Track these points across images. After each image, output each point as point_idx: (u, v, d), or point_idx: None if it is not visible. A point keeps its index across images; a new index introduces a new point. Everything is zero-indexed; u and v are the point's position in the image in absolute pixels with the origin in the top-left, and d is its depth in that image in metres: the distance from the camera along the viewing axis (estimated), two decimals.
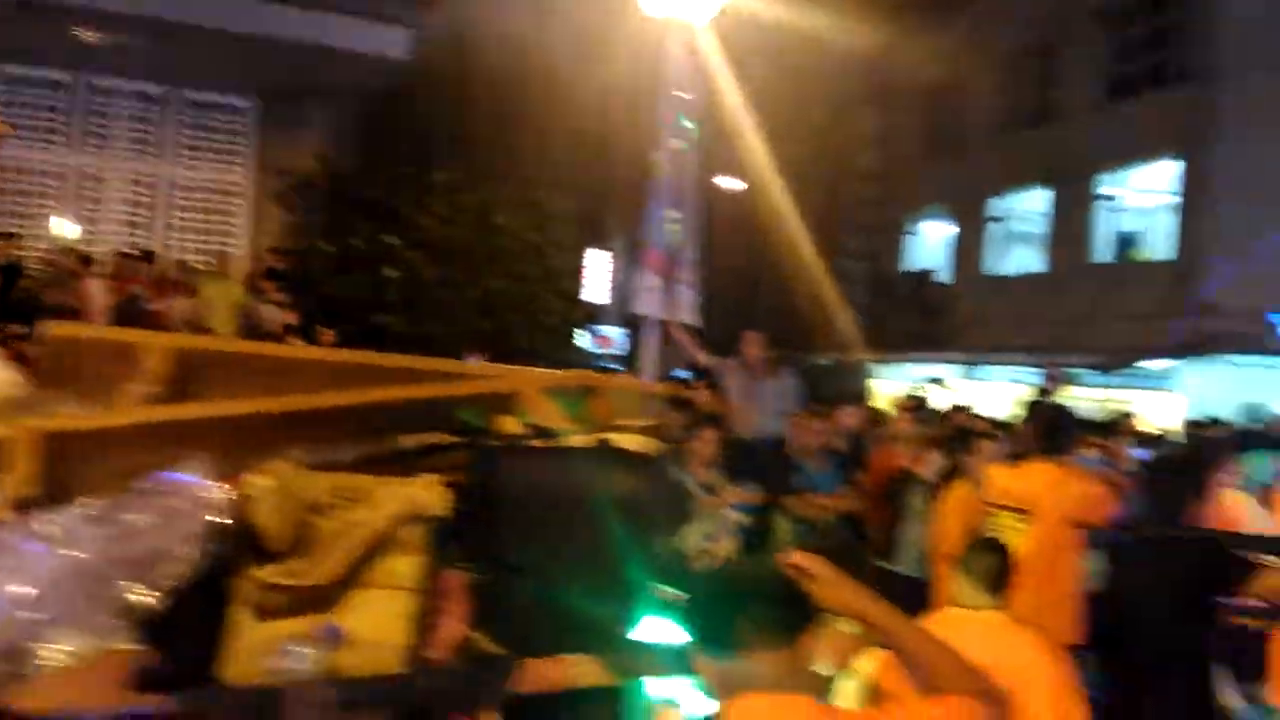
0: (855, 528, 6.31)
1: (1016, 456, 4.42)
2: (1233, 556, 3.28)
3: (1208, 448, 5.31)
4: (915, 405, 9.23)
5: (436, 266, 13.04)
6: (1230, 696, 3.80)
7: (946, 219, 23.26)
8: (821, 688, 1.81)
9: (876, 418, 9.50)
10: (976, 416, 10.49)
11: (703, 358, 7.07)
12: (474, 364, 3.52)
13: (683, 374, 9.19)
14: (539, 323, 13.88)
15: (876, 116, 22.97)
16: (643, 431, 2.59)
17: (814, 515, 5.90)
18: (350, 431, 2.52)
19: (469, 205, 13.04)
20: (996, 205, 21.63)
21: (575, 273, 15.51)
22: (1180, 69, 17.20)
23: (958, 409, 9.58)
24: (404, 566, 2.04)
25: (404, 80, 15.35)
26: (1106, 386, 17.25)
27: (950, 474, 5.60)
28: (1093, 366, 16.23)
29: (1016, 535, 4.09)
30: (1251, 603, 3.33)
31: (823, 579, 1.78)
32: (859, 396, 15.18)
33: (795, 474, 6.09)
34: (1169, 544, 3.37)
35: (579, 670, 2.14)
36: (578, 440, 2.39)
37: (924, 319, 21.50)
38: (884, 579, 6.22)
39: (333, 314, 11.76)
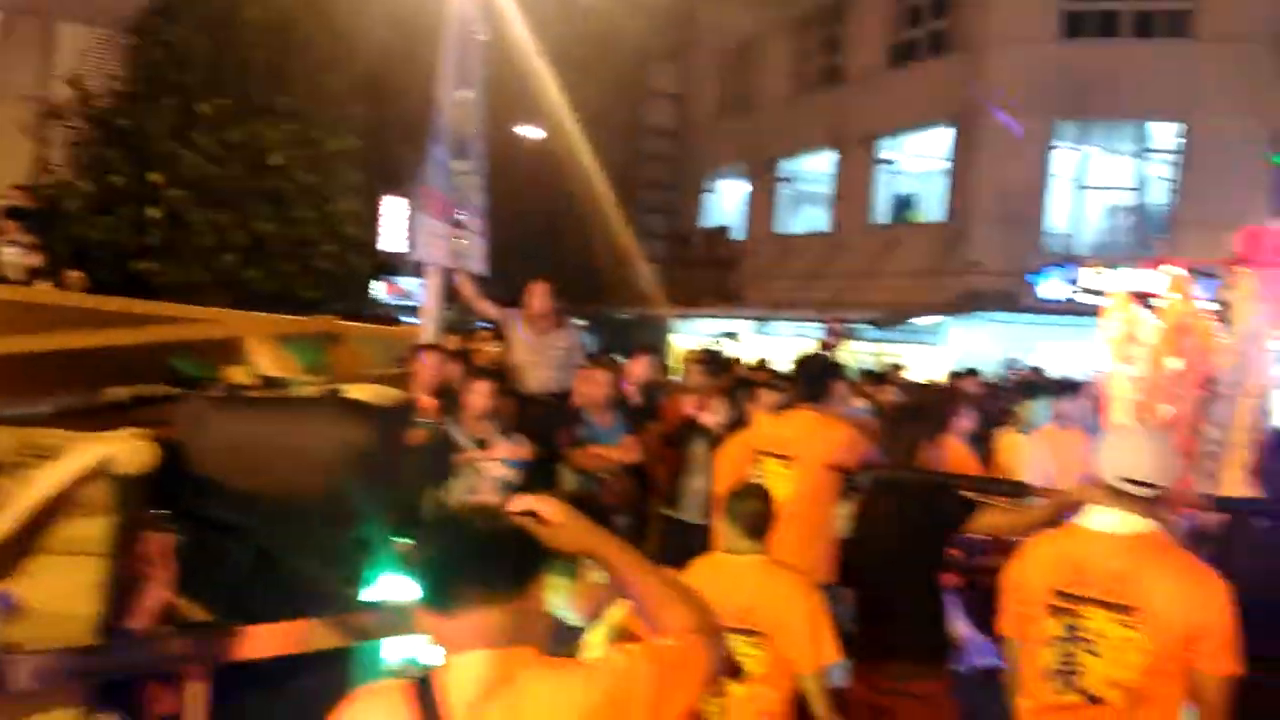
0: (641, 478, 6.38)
1: (783, 405, 4.57)
2: (958, 496, 3.49)
3: (944, 395, 5.67)
4: (704, 357, 9.44)
5: (202, 208, 12.04)
6: (959, 626, 4.11)
7: (741, 178, 23.91)
8: (548, 638, 1.75)
9: (668, 369, 9.69)
10: (762, 368, 10.91)
11: (488, 308, 6.88)
12: (204, 310, 3.26)
13: (486, 325, 8.96)
14: (319, 271, 13.12)
15: (674, 73, 23.22)
16: (386, 381, 2.43)
17: (596, 467, 5.89)
18: (52, 381, 2.25)
19: (239, 142, 12.10)
20: (787, 166, 22.40)
21: (363, 219, 14.72)
22: (956, 39, 18.21)
23: (741, 361, 9.88)
24: (91, 530, 1.82)
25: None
26: (883, 340, 18.35)
27: (735, 424, 5.75)
28: (871, 321, 17.17)
29: (780, 480, 4.24)
30: (975, 538, 3.58)
31: (556, 522, 1.71)
32: (658, 349, 15.43)
33: (579, 426, 6.06)
34: (901, 485, 3.55)
35: (303, 634, 1.99)
36: (305, 391, 2.21)
37: (719, 275, 22.08)
38: (670, 527, 6.36)
39: (88, 257, 10.70)
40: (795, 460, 4.26)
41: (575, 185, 19.17)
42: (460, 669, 1.63)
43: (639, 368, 7.22)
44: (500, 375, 5.88)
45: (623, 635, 2.15)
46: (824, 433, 4.20)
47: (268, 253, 12.68)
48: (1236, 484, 3.76)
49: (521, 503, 1.73)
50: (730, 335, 19.74)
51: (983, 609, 4.48)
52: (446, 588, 1.63)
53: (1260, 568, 2.73)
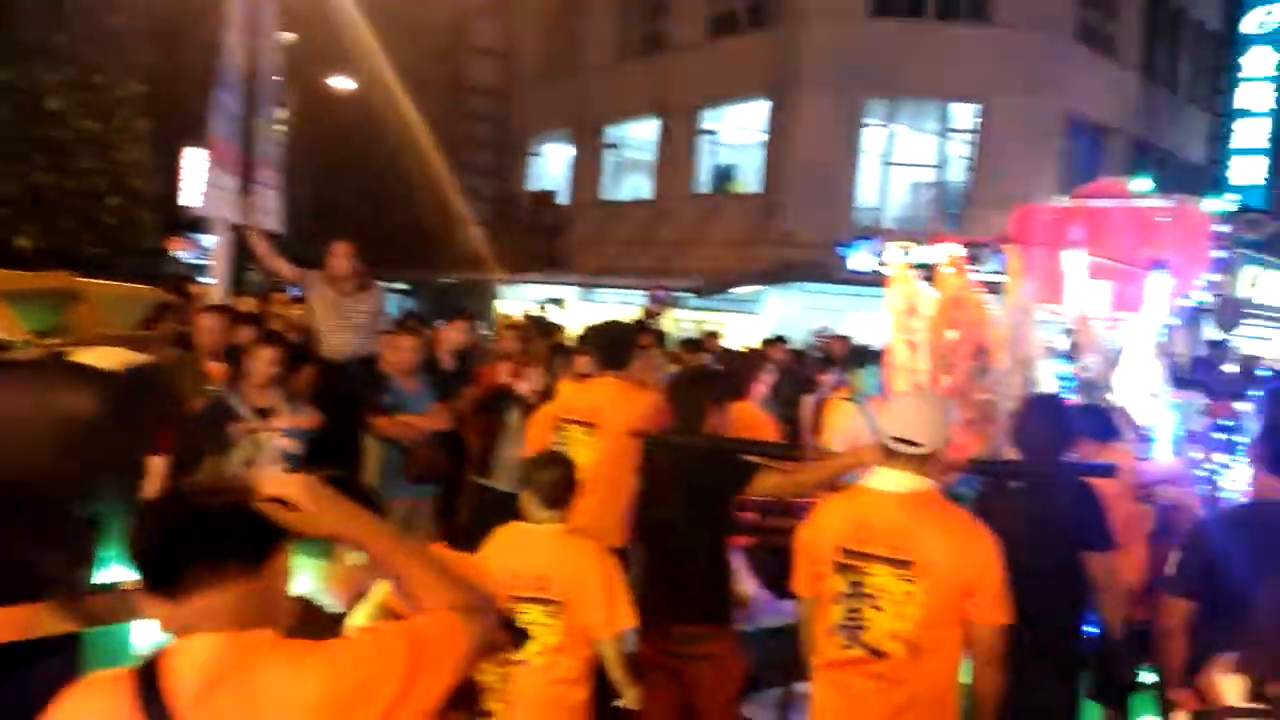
0: (455, 446, 6.23)
1: (587, 374, 4.53)
2: (741, 460, 3.55)
3: (741, 361, 5.79)
4: (523, 324, 9.32)
5: None
6: (748, 586, 4.21)
7: (567, 142, 23.72)
8: (290, 620, 1.63)
9: (484, 334, 9.52)
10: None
11: (284, 268, 6.49)
12: None
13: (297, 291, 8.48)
14: (105, 226, 12.09)
15: (496, 29, 22.67)
16: (131, 343, 2.20)
17: (402, 435, 5.70)
18: None
19: (10, 85, 10.92)
20: (612, 132, 22.37)
21: (155, 171, 13.62)
22: (773, 12, 18.58)
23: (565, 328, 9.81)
24: None
25: None
26: (705, 309, 18.71)
27: (549, 391, 5.67)
28: (692, 290, 17.46)
29: (583, 448, 4.20)
30: (757, 500, 3.66)
31: (306, 507, 1.58)
32: (481, 315, 15.14)
33: (385, 393, 5.83)
34: (684, 450, 3.58)
35: (22, 620, 1.78)
36: (26, 354, 1.97)
37: (546, 240, 21.89)
38: (483, 495, 6.24)
39: None
40: (598, 428, 4.24)
41: (396, 143, 18.50)
42: (188, 655, 1.49)
43: (453, 333, 7.03)
44: (296, 342, 5.58)
45: (386, 615, 2.04)
46: (626, 400, 4.19)
47: (45, 207, 11.55)
48: (1001, 447, 3.99)
49: (269, 486, 1.58)
50: (556, 301, 19.66)
51: (773, 568, 4.63)
52: (170, 568, 1.49)
53: (1014, 528, 2.88)
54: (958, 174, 18.33)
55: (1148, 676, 4.14)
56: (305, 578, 1.88)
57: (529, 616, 3.27)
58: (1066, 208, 5.56)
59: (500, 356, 7.22)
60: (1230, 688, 2.13)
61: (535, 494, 3.41)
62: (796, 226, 17.29)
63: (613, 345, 4.46)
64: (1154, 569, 3.91)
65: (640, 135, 21.87)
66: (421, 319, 8.01)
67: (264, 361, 4.57)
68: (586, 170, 22.71)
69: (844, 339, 11.05)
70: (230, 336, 5.34)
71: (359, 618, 2.04)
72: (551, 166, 24.51)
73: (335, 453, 5.60)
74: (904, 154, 18.64)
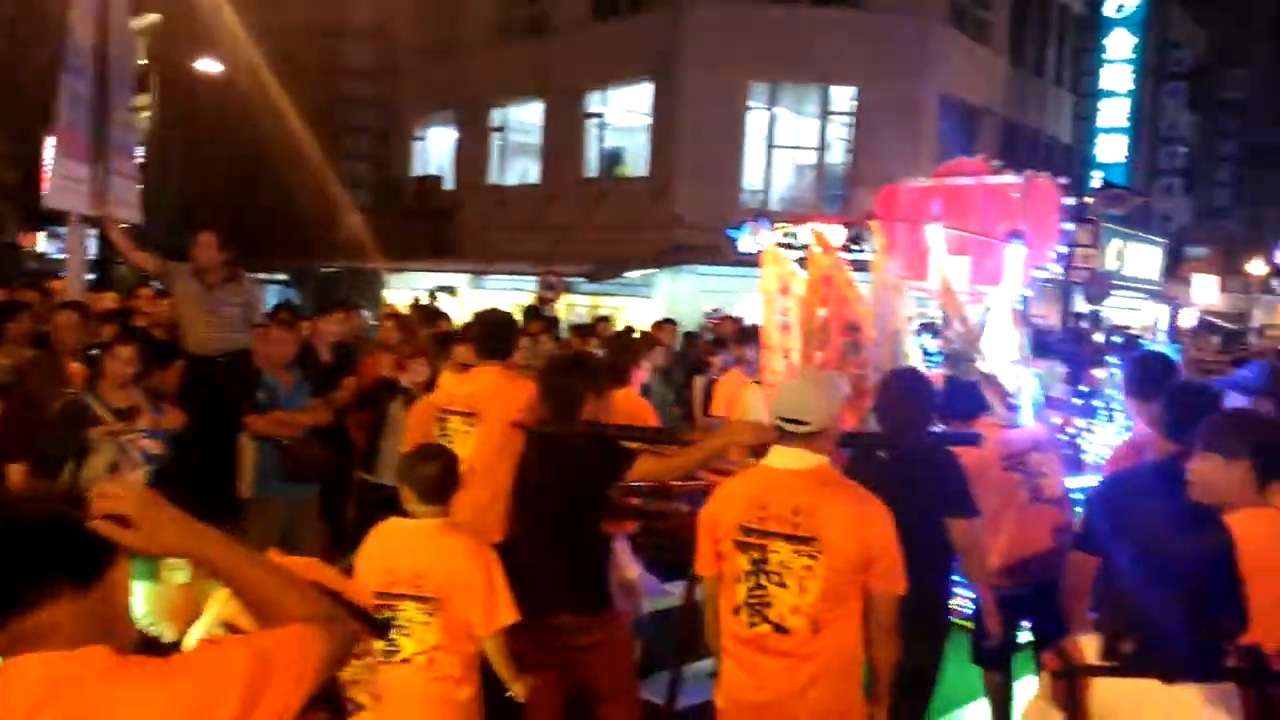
0: (333, 441, 6.06)
1: (468, 363, 4.43)
2: (616, 447, 3.54)
3: (620, 346, 5.79)
4: (403, 313, 9.12)
5: None
6: (632, 570, 4.22)
7: (451, 126, 23.29)
8: (128, 638, 1.54)
9: (371, 326, 9.27)
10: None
11: (146, 261, 6.19)
12: None
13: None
14: None
15: (373, 9, 22.04)
16: None
17: (279, 433, 5.51)
18: None
19: None
20: (498, 115, 22.07)
21: (14, 161, 12.81)
22: None
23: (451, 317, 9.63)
24: None
25: None
26: (598, 293, 18.69)
27: (433, 382, 5.55)
28: (584, 274, 17.41)
29: (464, 439, 4.13)
30: (638, 485, 3.66)
31: (138, 520, 1.49)
32: (363, 305, 14.76)
33: (259, 390, 5.63)
34: (557, 440, 3.55)
35: None
36: None
37: (433, 226, 21.49)
38: (368, 491, 6.09)
39: None
40: (478, 418, 4.16)
41: (270, 129, 17.85)
42: (12, 677, 1.40)
43: (329, 324, 6.84)
44: (162, 339, 5.33)
45: (225, 630, 1.96)
46: (508, 390, 4.12)
47: None
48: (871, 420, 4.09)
49: (103, 502, 1.48)
50: (446, 289, 19.34)
51: (659, 551, 4.66)
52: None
53: (880, 498, 2.95)
54: (839, 156, 18.72)
55: (1025, 637, 4.32)
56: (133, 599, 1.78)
57: (406, 614, 3.19)
58: (928, 186, 5.74)
59: (382, 347, 7.06)
60: (1089, 646, 2.22)
61: (413, 488, 3.33)
62: (685, 209, 17.40)
63: (493, 334, 4.38)
64: (1035, 535, 4.07)
65: (527, 118, 21.64)
66: (296, 310, 7.74)
67: (122, 360, 4.34)
68: (473, 154, 22.35)
69: (735, 320, 11.18)
70: (92, 334, 5.07)
71: (195, 635, 1.95)
72: (436, 150, 24.03)
73: (206, 453, 5.40)
74: (787, 136, 18.93)
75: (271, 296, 17.92)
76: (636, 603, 4.30)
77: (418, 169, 23.81)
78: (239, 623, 1.90)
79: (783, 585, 2.81)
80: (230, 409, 5.51)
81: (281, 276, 20.89)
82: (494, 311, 4.64)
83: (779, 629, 2.83)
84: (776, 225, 5.20)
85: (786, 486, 2.87)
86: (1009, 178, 5.34)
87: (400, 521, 3.37)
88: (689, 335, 11.15)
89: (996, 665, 4.24)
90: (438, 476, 3.33)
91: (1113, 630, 2.18)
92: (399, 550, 3.29)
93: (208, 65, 17.94)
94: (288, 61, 16.46)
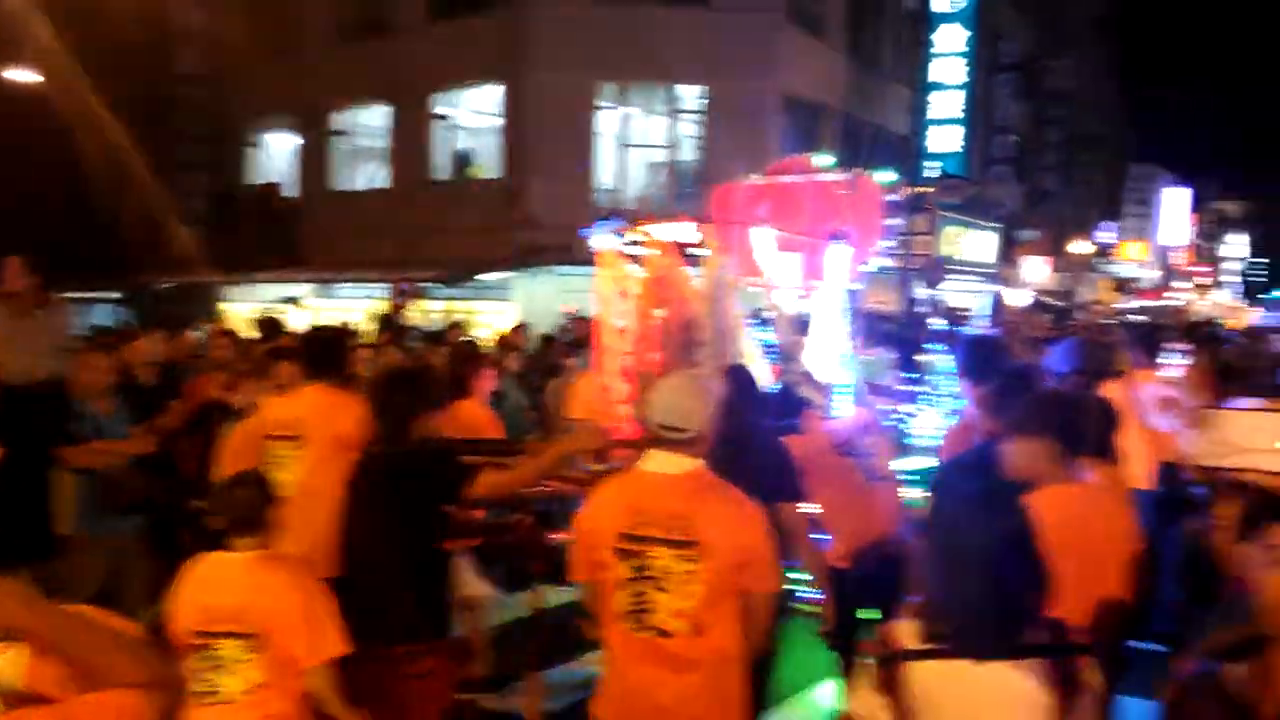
0: (160, 469, 5.74)
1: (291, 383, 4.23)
2: (453, 463, 3.46)
3: (461, 356, 5.69)
4: (233, 330, 8.73)
5: None
6: (477, 587, 4.15)
7: (290, 131, 22.49)
8: None
9: (197, 343, 8.81)
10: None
11: None
12: None
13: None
14: None
15: (201, 13, 21.02)
16: None
17: (99, 464, 5.19)
18: None
19: None
20: (340, 118, 21.44)
21: None
22: None
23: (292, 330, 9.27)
24: None
25: None
26: (454, 298, 18.38)
27: None
28: (438, 279, 17.10)
29: (292, 465, 3.94)
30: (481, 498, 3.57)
31: None
32: (200, 321, 14.08)
33: (76, 420, 5.29)
34: (388, 460, 3.42)
35: None
36: None
37: (273, 236, 20.71)
38: (201, 522, 5.76)
39: None
40: (305, 441, 3.97)
41: (95, 141, 16.81)
42: None
43: (147, 345, 6.47)
44: None
45: (18, 694, 1.80)
46: (334, 409, 3.95)
47: None
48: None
49: None
50: (292, 300, 18.66)
51: (507, 564, 4.59)
52: None
53: None
54: (689, 154, 18.97)
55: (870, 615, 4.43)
56: None
57: (227, 652, 3.03)
58: (758, 185, 5.86)
59: (213, 366, 6.74)
60: (908, 631, 2.27)
61: (228, 519, 3.17)
62: (540, 210, 17.29)
63: (320, 350, 4.20)
64: (877, 515, 4.19)
65: (371, 121, 21.09)
66: (113, 332, 7.31)
67: None
68: (314, 160, 21.63)
69: (591, 320, 11.15)
70: None
71: None
72: (276, 157, 23.16)
73: (22, 490, 5.03)
74: (638, 136, 19.06)
75: (104, 317, 16.89)
76: (480, 619, 4.22)
77: (257, 177, 22.90)
78: (34, 687, 1.74)
79: (664, 590, 2.82)
80: (44, 441, 5.16)
81: (114, 295, 19.73)
82: (322, 327, 4.46)
83: (661, 633, 2.84)
84: (633, 224, 5.18)
85: (664, 491, 2.88)
86: (835, 175, 5.50)
87: (218, 555, 3.21)
88: (547, 338, 11.08)
89: (840, 646, 4.34)
90: (251, 505, 3.18)
91: (929, 614, 2.25)
92: (216, 585, 3.12)
93: (20, 75, 16.72)
94: (113, 69, 15.52)
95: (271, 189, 21.96)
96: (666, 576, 2.82)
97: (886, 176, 5.47)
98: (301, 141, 22.16)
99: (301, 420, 4.00)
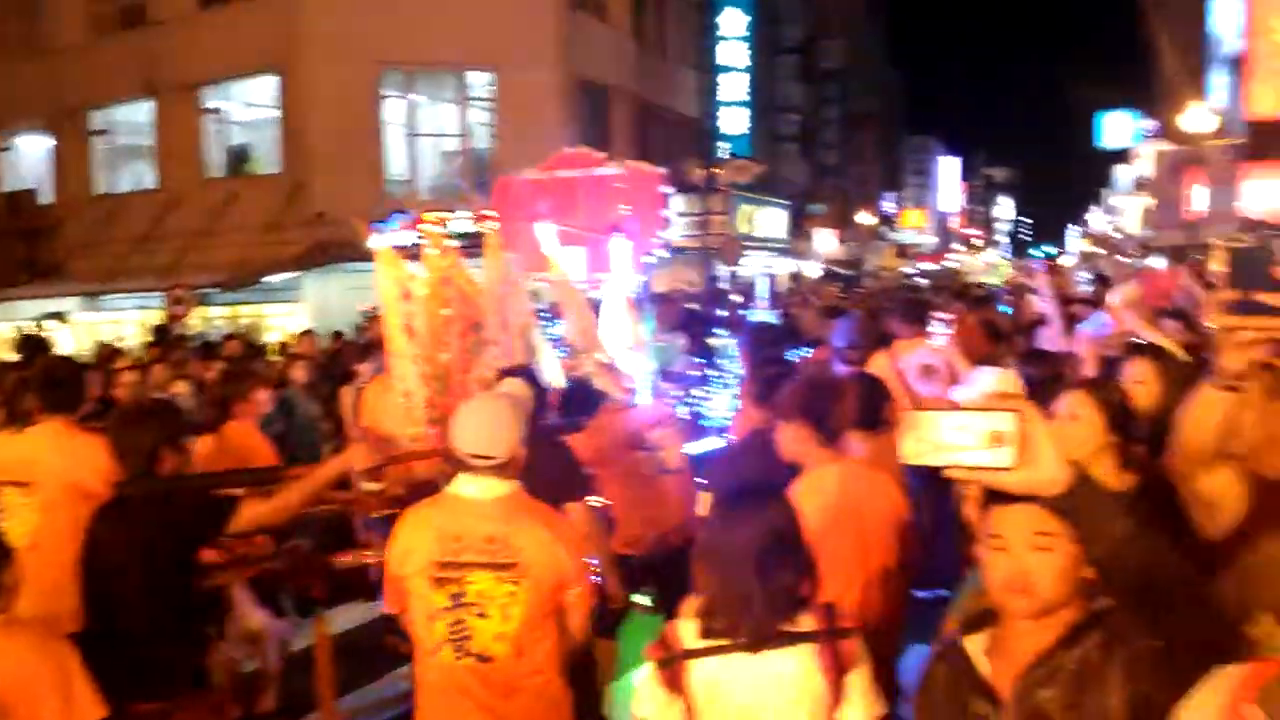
0: None
1: (21, 416, 3.73)
2: (210, 498, 3.20)
3: (232, 374, 5.31)
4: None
5: None
6: (257, 619, 3.88)
7: (42, 132, 20.58)
8: None
9: None
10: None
11: None
12: None
13: None
14: None
15: None
16: None
17: None
18: None
19: None
20: (99, 117, 19.78)
21: None
22: None
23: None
24: None
25: None
26: (237, 302, 17.34)
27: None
28: (218, 284, 16.10)
29: (22, 514, 3.50)
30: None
31: None
32: None
33: None
34: (136, 500, 3.09)
35: None
36: None
37: (30, 247, 18.93)
38: None
39: None
40: (36, 486, 3.54)
41: None
42: None
43: None
44: None
45: None
46: (70, 450, 3.53)
47: None
48: None
49: None
50: (56, 316, 17.14)
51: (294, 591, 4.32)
52: None
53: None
54: (483, 142, 18.64)
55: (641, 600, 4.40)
56: None
57: None
58: (538, 180, 5.78)
59: None
60: (687, 629, 2.25)
61: None
62: (327, 205, 16.51)
63: (55, 383, 3.74)
64: (665, 506, 4.17)
65: (134, 118, 19.58)
66: None
67: None
68: (72, 162, 19.88)
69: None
70: None
71: None
72: (28, 161, 21.14)
73: None
74: (429, 124, 18.56)
75: None
76: (268, 651, 3.94)
77: (7, 184, 20.84)
78: None
79: (484, 616, 2.75)
80: None
81: None
82: (58, 358, 4.00)
83: (482, 659, 2.76)
84: (424, 215, 4.93)
85: (479, 515, 2.79)
86: (612, 168, 5.49)
87: None
88: (336, 334, 10.59)
89: (609, 634, 4.31)
90: None
91: (706, 612, 2.24)
92: None
93: None
94: None
95: (25, 196, 20.05)
96: (486, 601, 2.75)
97: (659, 168, 5.50)
98: (55, 143, 20.32)
99: (30, 465, 3.55)
